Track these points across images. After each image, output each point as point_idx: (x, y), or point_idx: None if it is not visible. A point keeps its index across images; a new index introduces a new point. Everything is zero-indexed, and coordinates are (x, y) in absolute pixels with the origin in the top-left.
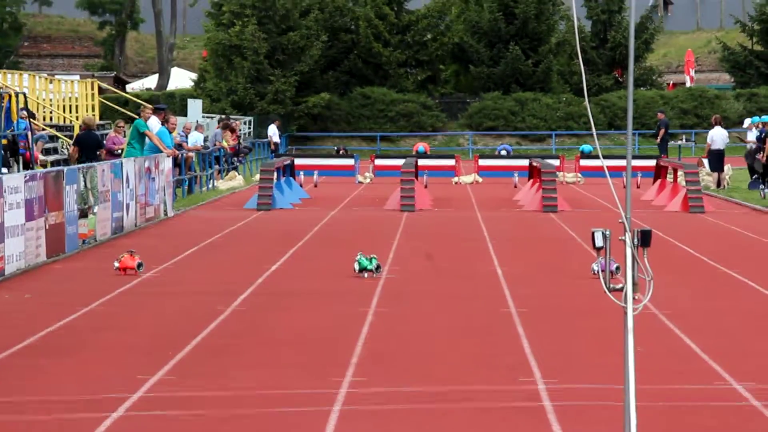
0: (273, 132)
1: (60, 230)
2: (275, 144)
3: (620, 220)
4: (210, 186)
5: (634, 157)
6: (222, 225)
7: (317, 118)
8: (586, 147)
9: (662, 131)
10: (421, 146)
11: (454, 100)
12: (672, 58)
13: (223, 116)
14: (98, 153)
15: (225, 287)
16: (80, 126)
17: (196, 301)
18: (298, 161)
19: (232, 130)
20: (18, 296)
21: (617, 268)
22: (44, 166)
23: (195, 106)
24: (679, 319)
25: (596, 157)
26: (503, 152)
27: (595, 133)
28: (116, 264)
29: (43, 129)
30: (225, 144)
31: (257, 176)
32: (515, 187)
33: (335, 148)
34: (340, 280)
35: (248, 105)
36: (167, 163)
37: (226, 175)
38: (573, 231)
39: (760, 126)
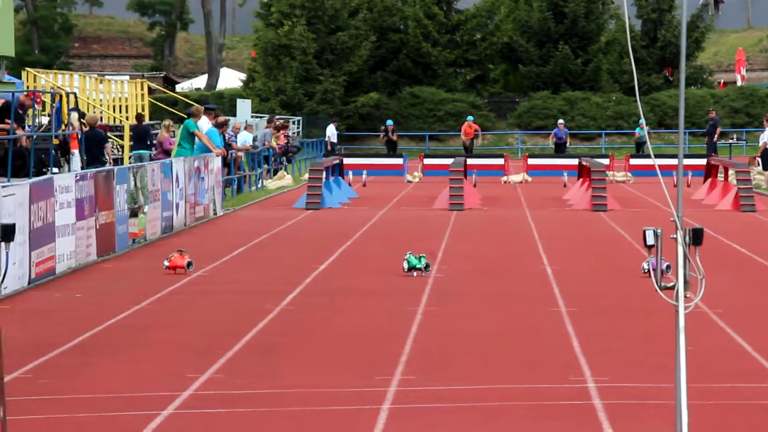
0: (331, 132)
1: (110, 229)
2: (332, 144)
3: (672, 219)
4: (259, 185)
5: (685, 156)
6: (271, 224)
7: (366, 118)
8: (641, 130)
9: (718, 130)
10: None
11: (503, 100)
12: (723, 56)
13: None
14: (104, 149)
15: (274, 286)
16: (85, 124)
17: (245, 300)
18: (347, 160)
19: (284, 128)
20: (69, 295)
21: (668, 266)
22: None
23: (244, 106)
24: (731, 317)
25: (647, 156)
26: (563, 134)
27: (646, 132)
28: (166, 263)
29: (100, 130)
30: (274, 143)
31: (306, 176)
32: (564, 186)
33: (382, 128)
34: (389, 278)
35: (297, 105)
36: (216, 163)
37: (275, 174)
38: (623, 230)
39: None
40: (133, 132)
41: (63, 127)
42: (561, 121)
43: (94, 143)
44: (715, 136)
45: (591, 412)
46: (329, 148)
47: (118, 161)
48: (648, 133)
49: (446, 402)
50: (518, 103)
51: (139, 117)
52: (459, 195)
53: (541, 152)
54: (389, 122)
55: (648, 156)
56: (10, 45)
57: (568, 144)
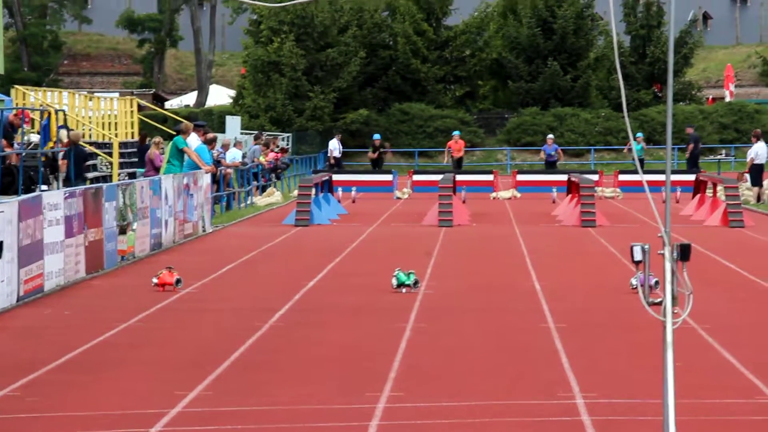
0: (333, 146)
1: (99, 246)
2: (335, 159)
3: (660, 235)
4: (248, 202)
5: (674, 172)
6: (260, 241)
7: (355, 134)
8: (637, 147)
9: (691, 146)
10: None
11: (493, 116)
12: (711, 72)
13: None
14: (85, 166)
15: (263, 303)
16: (67, 140)
17: (233, 317)
18: (336, 177)
19: (283, 151)
20: (58, 312)
21: (656, 282)
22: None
23: (233, 122)
24: (719, 333)
25: (635, 171)
26: (552, 150)
27: (634, 149)
28: (155, 280)
29: (82, 146)
30: (263, 160)
31: (295, 192)
32: (553, 202)
33: (375, 144)
34: (378, 295)
35: (287, 121)
36: (206, 180)
37: (264, 191)
38: (612, 246)
39: None
40: (138, 151)
41: (51, 144)
42: (550, 136)
43: (76, 159)
44: (688, 152)
45: (579, 428)
46: (332, 162)
47: (107, 178)
48: (642, 148)
49: (435, 419)
50: (507, 119)
51: (143, 137)
52: (448, 211)
53: (530, 168)
54: (376, 136)
55: (636, 171)
56: None
57: (560, 160)
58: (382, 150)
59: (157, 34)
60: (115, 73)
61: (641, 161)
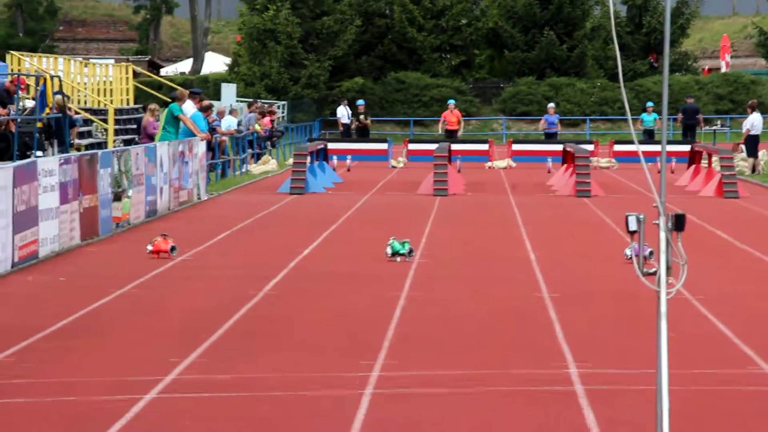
0: (341, 114)
1: (94, 213)
2: (344, 125)
3: (654, 205)
4: (243, 170)
5: (669, 143)
6: (255, 209)
7: (351, 103)
8: (647, 118)
9: (680, 116)
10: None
11: (488, 85)
12: (707, 43)
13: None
14: (71, 131)
15: (257, 271)
16: (52, 107)
17: (228, 284)
18: (331, 145)
19: (271, 113)
20: (52, 279)
21: (650, 252)
22: (78, 149)
23: (229, 90)
24: (713, 304)
25: (631, 141)
26: (553, 119)
27: (630, 119)
28: (149, 247)
29: (77, 113)
30: (258, 128)
31: (290, 160)
32: (549, 172)
33: (358, 111)
34: (372, 264)
35: (282, 89)
36: (201, 147)
37: (260, 159)
38: (606, 216)
39: None
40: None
41: (47, 110)
42: (551, 105)
43: (60, 126)
44: (678, 122)
45: (572, 397)
46: (342, 129)
47: (102, 145)
48: (656, 119)
49: (428, 387)
50: (503, 89)
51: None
52: (443, 180)
53: (525, 138)
54: (360, 102)
55: (632, 141)
56: None
57: (559, 130)
58: (360, 119)
59: (153, 0)
60: (111, 39)
61: (651, 132)
